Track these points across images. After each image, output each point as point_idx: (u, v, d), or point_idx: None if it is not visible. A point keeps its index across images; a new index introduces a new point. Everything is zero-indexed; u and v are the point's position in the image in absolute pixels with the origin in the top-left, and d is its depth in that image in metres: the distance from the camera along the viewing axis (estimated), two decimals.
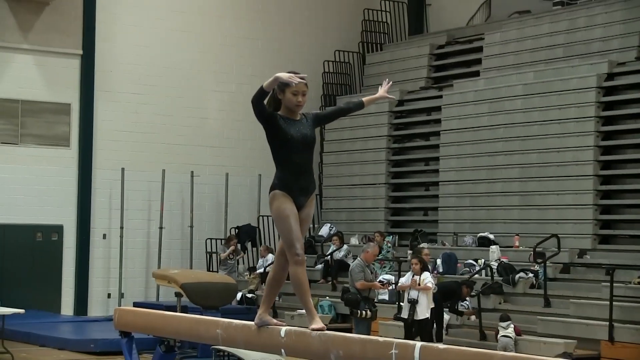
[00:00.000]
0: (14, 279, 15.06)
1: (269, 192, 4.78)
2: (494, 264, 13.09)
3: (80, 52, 15.89)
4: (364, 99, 5.12)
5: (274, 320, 4.88)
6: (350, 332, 9.58)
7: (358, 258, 11.05)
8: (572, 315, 11.58)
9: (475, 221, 14.60)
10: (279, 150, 4.74)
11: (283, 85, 4.71)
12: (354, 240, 15.82)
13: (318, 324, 4.61)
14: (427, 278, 11.20)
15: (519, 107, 14.26)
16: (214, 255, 16.43)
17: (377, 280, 12.54)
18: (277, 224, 4.78)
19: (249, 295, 14.90)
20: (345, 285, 11.68)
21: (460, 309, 12.36)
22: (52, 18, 15.65)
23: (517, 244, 13.67)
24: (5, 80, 15.44)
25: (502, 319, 11.22)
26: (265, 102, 4.74)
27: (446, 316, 11.79)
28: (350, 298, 10.73)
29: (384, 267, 14.52)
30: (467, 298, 12.37)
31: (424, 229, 15.33)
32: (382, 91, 5.14)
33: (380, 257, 14.00)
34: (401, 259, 13.78)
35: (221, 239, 16.41)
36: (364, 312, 10.56)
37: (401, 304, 11.69)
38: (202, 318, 5.61)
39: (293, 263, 4.68)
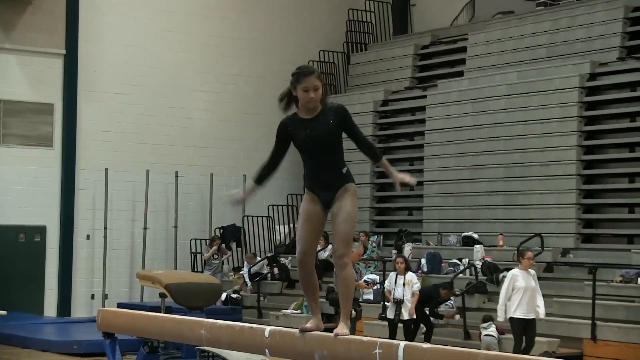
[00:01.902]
0: None
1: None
2: (478, 263, 13.15)
3: (64, 51, 15.81)
4: (385, 160, 4.77)
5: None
6: None
7: None
8: (555, 314, 11.63)
9: (460, 221, 14.66)
10: (299, 151, 4.67)
11: (295, 82, 4.58)
12: None
13: (313, 323, 4.60)
14: (413, 279, 11.22)
15: (503, 107, 14.33)
16: (198, 256, 16.40)
17: (362, 280, 12.56)
18: None
19: (234, 296, 14.89)
20: (330, 285, 11.70)
21: (444, 308, 12.40)
22: (35, 17, 15.58)
23: (501, 243, 13.74)
24: None
25: (484, 320, 11.27)
26: (280, 99, 4.66)
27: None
28: (335, 298, 10.74)
29: (369, 267, 14.55)
30: (452, 298, 12.41)
31: (409, 228, 15.38)
32: (402, 176, 4.81)
33: (365, 256, 14.03)
34: (386, 258, 13.81)
35: (206, 240, 16.38)
36: None
37: (386, 303, 11.71)
38: (185, 318, 5.60)
39: (297, 262, 4.74)
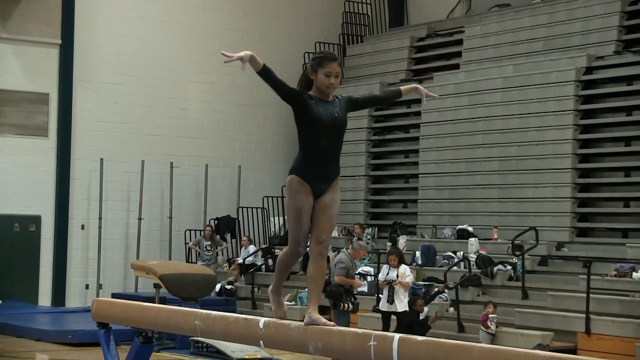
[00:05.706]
0: None
1: (288, 175, 4.60)
2: (473, 256, 13.16)
3: (59, 41, 15.76)
4: (401, 87, 4.81)
5: (323, 320, 4.52)
6: None
7: (345, 252, 10.96)
8: (549, 308, 11.66)
9: (454, 213, 14.67)
10: (306, 131, 4.51)
11: (316, 65, 4.53)
12: (333, 232, 15.85)
13: (279, 312, 4.68)
14: (406, 272, 11.17)
15: (499, 100, 14.32)
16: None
17: (356, 272, 12.54)
18: (287, 214, 4.66)
19: (228, 287, 14.91)
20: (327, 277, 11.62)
21: (438, 301, 12.41)
22: (31, 7, 15.52)
23: (495, 236, 13.75)
24: None
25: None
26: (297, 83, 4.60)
27: (425, 308, 11.79)
28: (333, 291, 10.71)
29: (363, 259, 14.54)
30: (446, 291, 12.42)
31: (403, 221, 15.38)
32: (422, 87, 4.91)
33: None
34: (380, 251, 13.82)
35: (200, 231, 16.38)
36: (345, 304, 10.56)
37: (380, 296, 11.70)
38: (180, 309, 5.59)
39: (290, 253, 4.68)
